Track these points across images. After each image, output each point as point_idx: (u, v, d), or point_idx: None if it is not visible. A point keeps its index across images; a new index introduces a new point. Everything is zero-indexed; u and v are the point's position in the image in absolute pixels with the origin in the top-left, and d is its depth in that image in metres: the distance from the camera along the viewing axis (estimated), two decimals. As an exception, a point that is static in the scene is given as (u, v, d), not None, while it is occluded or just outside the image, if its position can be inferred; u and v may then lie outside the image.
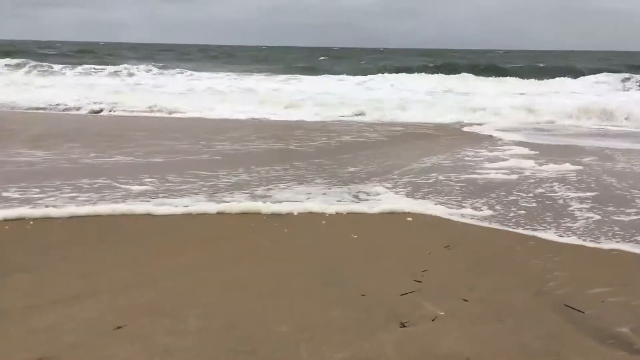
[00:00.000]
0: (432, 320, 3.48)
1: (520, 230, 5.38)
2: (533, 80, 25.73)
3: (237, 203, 5.98)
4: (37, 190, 6.31)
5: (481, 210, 6.02)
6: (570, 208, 6.17)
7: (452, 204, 6.23)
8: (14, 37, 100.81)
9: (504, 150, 10.00)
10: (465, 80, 25.31)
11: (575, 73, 28.00)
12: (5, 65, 27.36)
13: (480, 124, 14.38)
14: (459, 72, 27.51)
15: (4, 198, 5.97)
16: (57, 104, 16.45)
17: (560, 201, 6.47)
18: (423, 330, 3.35)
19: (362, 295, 3.81)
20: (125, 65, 28.50)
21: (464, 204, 6.23)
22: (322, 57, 47.62)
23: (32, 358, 2.94)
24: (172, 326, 3.33)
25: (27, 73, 25.44)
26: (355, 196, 6.51)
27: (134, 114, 15.62)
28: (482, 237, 5.24)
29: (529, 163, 8.67)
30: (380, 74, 28.12)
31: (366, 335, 3.28)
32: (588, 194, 6.82)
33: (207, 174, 7.41)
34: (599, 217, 5.82)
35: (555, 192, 6.92)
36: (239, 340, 3.18)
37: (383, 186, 6.98)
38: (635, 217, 5.82)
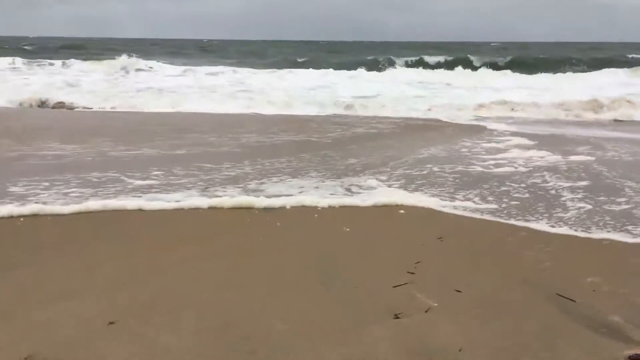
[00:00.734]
0: (426, 311, 3.49)
1: (512, 222, 5.40)
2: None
3: (230, 197, 5.97)
4: (33, 186, 6.27)
5: (474, 201, 6.04)
6: (562, 198, 6.20)
7: (445, 196, 6.24)
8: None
9: (501, 142, 10.02)
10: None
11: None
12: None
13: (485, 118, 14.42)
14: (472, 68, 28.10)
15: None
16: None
17: (552, 191, 6.50)
18: (417, 321, 3.37)
19: (356, 287, 3.82)
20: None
21: (456, 196, 6.25)
22: (318, 51, 47.70)
23: (25, 355, 2.93)
24: (167, 323, 3.32)
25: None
26: (348, 189, 6.51)
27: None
28: (475, 228, 5.26)
29: (528, 154, 8.73)
30: (389, 67, 28.56)
31: (360, 327, 3.28)
32: (580, 183, 6.86)
33: (199, 169, 7.39)
34: (590, 206, 5.85)
35: (547, 182, 6.95)
36: (235, 337, 3.18)
37: (377, 179, 6.98)
38: (626, 207, 5.86)
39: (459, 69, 28.56)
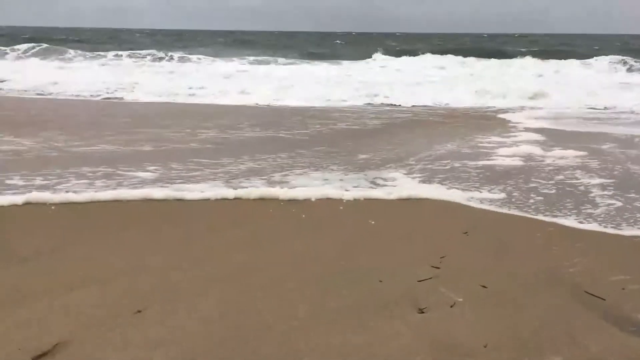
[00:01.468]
0: (451, 306, 3.47)
1: (540, 217, 5.33)
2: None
3: (255, 188, 6.00)
4: (54, 177, 6.40)
5: (500, 196, 5.97)
6: (591, 194, 6.09)
7: (470, 190, 6.18)
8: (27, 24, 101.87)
9: (518, 136, 9.88)
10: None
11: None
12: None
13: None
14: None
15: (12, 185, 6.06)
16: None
17: (581, 187, 6.39)
18: (441, 316, 3.35)
19: (380, 281, 3.81)
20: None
21: (481, 190, 6.18)
22: (337, 41, 47.53)
23: (55, 341, 2.99)
24: (191, 309, 3.36)
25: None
26: (373, 182, 6.49)
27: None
28: (501, 223, 5.20)
29: (545, 149, 8.58)
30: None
31: (384, 321, 3.28)
32: (609, 180, 6.73)
33: (219, 161, 7.44)
34: (620, 203, 5.74)
35: (576, 178, 6.83)
36: (258, 324, 3.20)
37: (399, 172, 6.95)
38: (657, 204, 5.73)
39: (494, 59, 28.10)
